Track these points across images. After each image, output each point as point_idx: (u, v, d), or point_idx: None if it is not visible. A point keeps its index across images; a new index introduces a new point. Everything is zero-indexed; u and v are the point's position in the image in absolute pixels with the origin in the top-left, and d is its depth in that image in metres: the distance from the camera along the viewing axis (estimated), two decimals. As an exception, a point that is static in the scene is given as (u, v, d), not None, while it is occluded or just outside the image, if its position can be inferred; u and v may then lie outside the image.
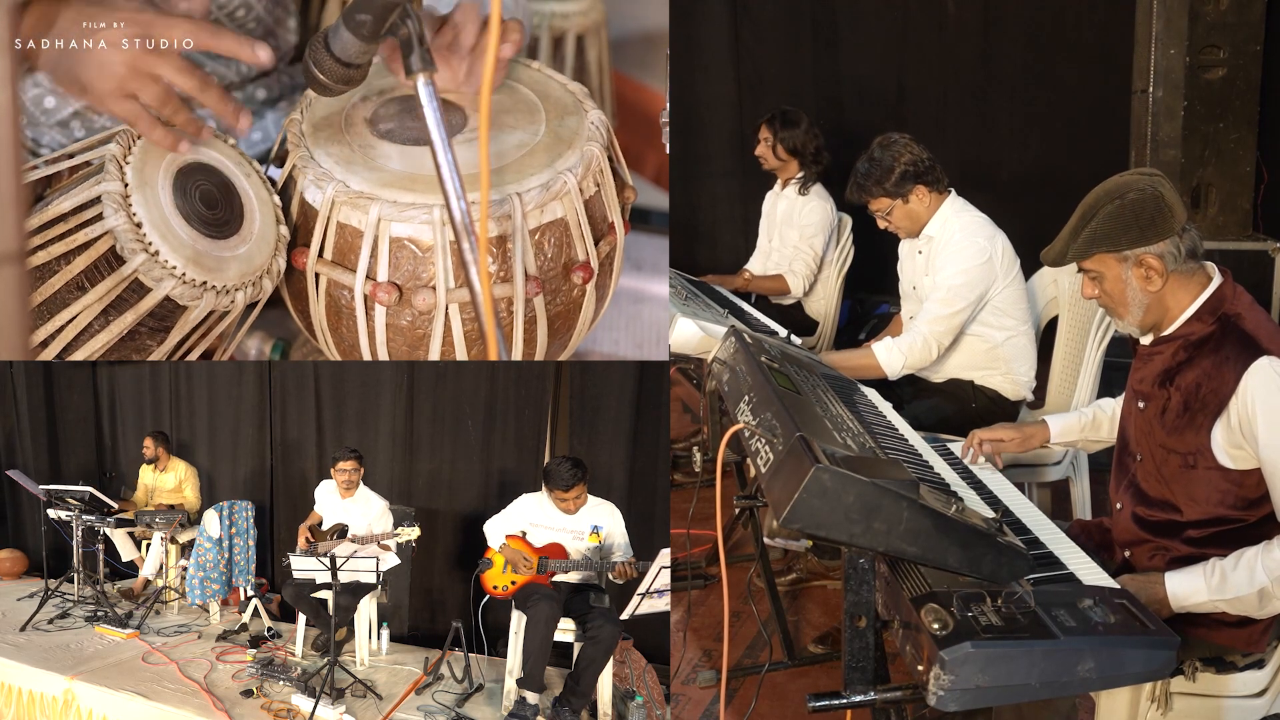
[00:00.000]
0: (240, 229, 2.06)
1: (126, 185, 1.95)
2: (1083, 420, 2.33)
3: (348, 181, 2.06)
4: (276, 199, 2.15)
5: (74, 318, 1.93)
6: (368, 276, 2.06)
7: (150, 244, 1.94)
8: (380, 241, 2.04)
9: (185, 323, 2.00)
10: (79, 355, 1.97)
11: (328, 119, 2.18)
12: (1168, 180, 1.93)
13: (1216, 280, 1.92)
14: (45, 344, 1.94)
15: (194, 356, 2.11)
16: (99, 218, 1.93)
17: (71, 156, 2.05)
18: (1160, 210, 1.88)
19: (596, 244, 2.17)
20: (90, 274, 1.94)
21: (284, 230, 2.12)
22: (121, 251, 1.93)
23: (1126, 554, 2.02)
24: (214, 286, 1.99)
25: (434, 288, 2.04)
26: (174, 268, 1.95)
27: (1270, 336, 1.84)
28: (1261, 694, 1.91)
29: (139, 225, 1.94)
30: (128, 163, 1.97)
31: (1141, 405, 1.99)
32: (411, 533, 3.30)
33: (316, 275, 2.12)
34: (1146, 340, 2.00)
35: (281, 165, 2.19)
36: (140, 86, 1.96)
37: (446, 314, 2.06)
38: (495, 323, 1.93)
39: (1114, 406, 2.28)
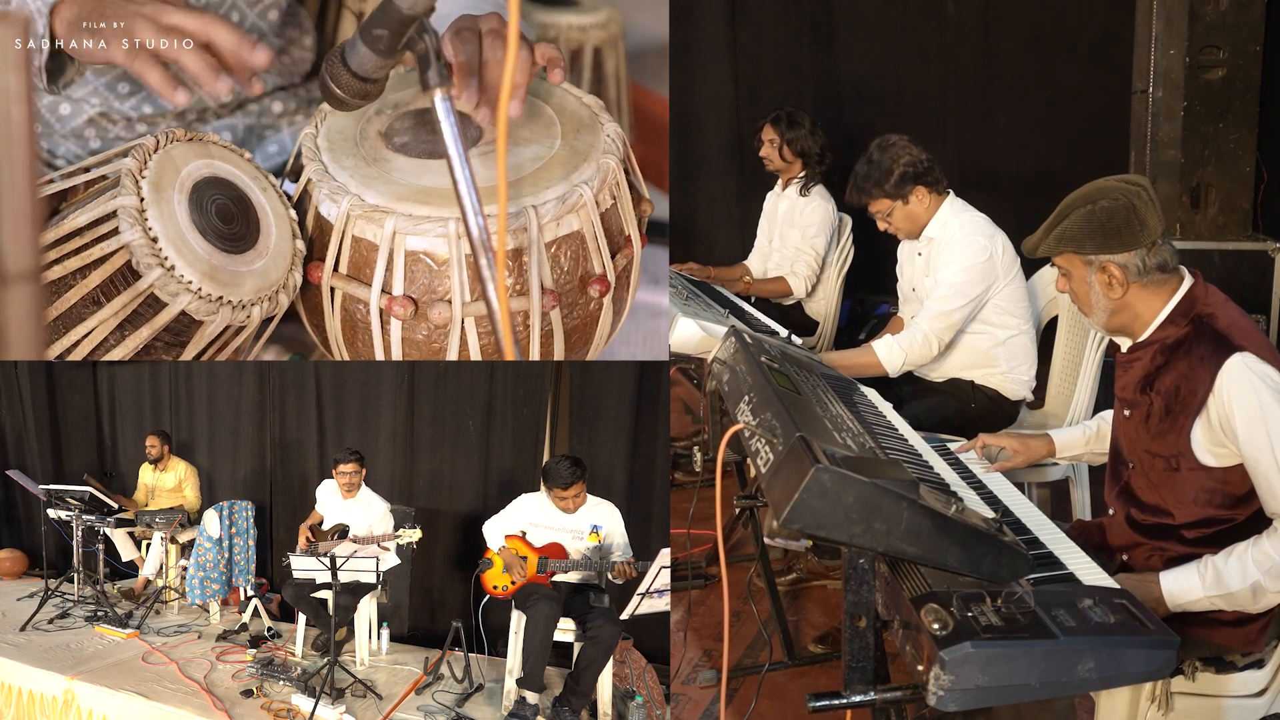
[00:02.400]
0: (256, 243, 2.05)
1: (142, 200, 1.94)
2: (1087, 433, 2.33)
3: (363, 195, 2.05)
4: (293, 213, 2.13)
5: (89, 332, 1.93)
6: (383, 290, 2.04)
7: (166, 259, 1.93)
8: (395, 255, 2.03)
9: (201, 337, 1.99)
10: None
11: (343, 132, 2.17)
12: (1148, 192, 1.92)
13: (1188, 283, 1.93)
14: (61, 359, 1.94)
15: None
16: (115, 232, 1.92)
17: (87, 170, 2.05)
18: (1129, 222, 1.89)
19: (613, 257, 2.15)
20: (106, 289, 1.93)
21: (300, 244, 2.11)
22: (137, 266, 1.91)
23: (1124, 557, 2.03)
24: (230, 301, 1.98)
25: (449, 301, 2.03)
26: (190, 282, 1.94)
27: (1243, 333, 1.85)
28: (1261, 694, 1.91)
29: (155, 240, 1.93)
30: (143, 177, 1.96)
31: (1127, 413, 2.00)
32: (413, 535, 3.30)
33: (332, 289, 2.11)
34: (1125, 347, 2.01)
35: (297, 179, 2.19)
36: (142, 29, 1.93)
37: (463, 328, 2.05)
38: (513, 339, 1.93)
39: None
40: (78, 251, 1.92)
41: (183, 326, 1.98)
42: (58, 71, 2.08)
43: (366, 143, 2.16)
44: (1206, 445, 1.84)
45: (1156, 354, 1.92)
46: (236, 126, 2.57)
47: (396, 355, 2.09)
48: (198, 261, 1.95)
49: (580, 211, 2.08)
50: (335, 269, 2.09)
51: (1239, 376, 1.79)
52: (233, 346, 2.09)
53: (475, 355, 2.08)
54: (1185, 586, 1.83)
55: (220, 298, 1.97)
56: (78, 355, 1.94)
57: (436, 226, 2.00)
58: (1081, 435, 2.34)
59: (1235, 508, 1.86)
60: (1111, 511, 2.08)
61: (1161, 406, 1.90)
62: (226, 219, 2.02)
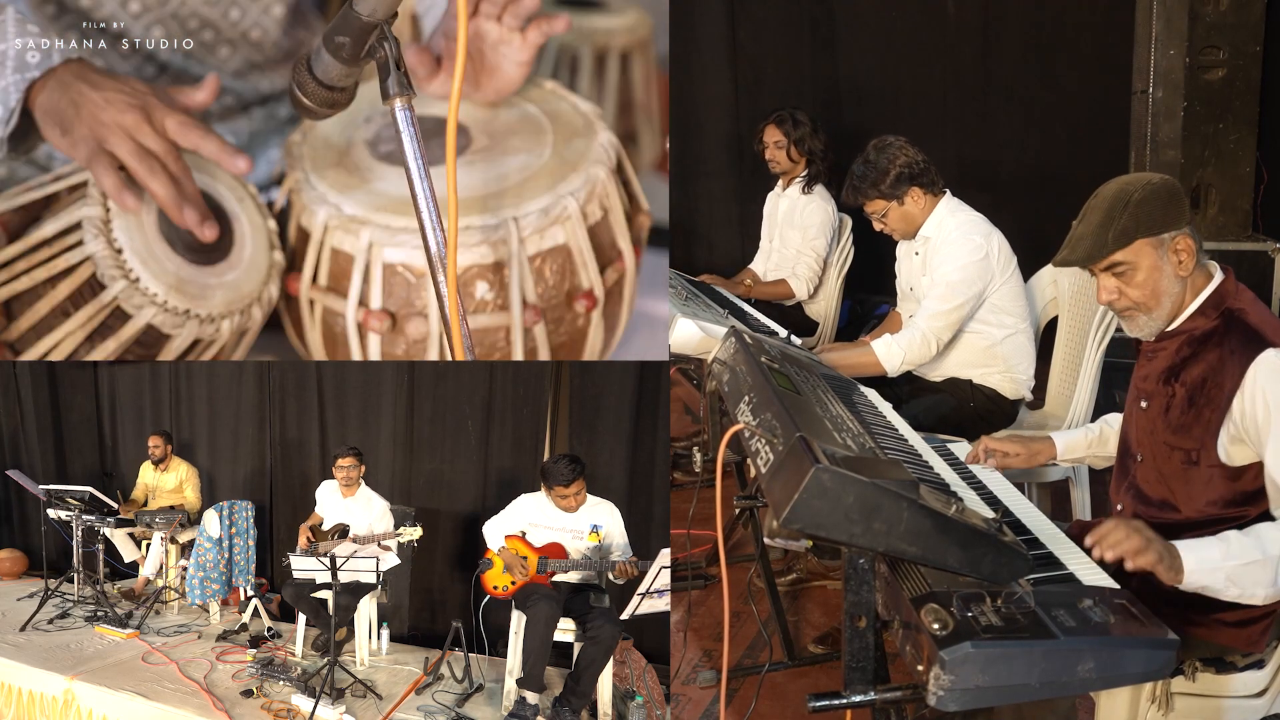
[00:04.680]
0: (229, 256, 2.00)
1: (109, 210, 1.91)
2: (1089, 436, 2.32)
3: (341, 205, 1.99)
4: (272, 224, 2.08)
5: (58, 343, 1.90)
6: (360, 303, 1.99)
7: (130, 271, 1.89)
8: (373, 267, 1.97)
9: (169, 351, 1.96)
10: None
11: (328, 140, 2.12)
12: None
13: (1219, 276, 1.93)
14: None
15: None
16: (82, 243, 1.89)
17: (65, 178, 2.02)
18: (1178, 197, 1.90)
19: (603, 271, 2.09)
20: (76, 300, 1.90)
21: (278, 257, 2.06)
22: (101, 278, 1.88)
23: (1125, 555, 2.02)
24: (197, 315, 1.93)
25: (427, 315, 1.98)
26: (155, 295, 1.90)
27: (1275, 331, 1.84)
28: (1261, 694, 1.90)
29: (119, 251, 1.89)
30: None
31: (1144, 405, 1.99)
32: (414, 533, 3.30)
33: (311, 302, 2.06)
34: (1151, 338, 2.00)
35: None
36: (117, 142, 1.91)
37: (440, 343, 2.00)
38: (464, 340, 1.85)
39: (1121, 421, 2.27)
40: (45, 263, 1.89)
41: (152, 339, 1.94)
42: (21, 138, 2.04)
43: (352, 151, 2.10)
44: (1226, 442, 1.84)
45: (1183, 345, 1.92)
46: (240, 130, 2.54)
47: (376, 370, 2.06)
48: (164, 274, 1.91)
49: (565, 224, 2.02)
50: (314, 281, 2.04)
51: (1270, 372, 1.78)
52: (205, 359, 2.04)
53: (453, 371, 2.04)
54: (1203, 555, 1.72)
55: (187, 311, 1.92)
56: None
57: (414, 238, 1.94)
58: (1084, 438, 2.33)
59: (1245, 506, 1.85)
60: (1119, 507, 2.07)
61: (1185, 398, 1.89)
62: None
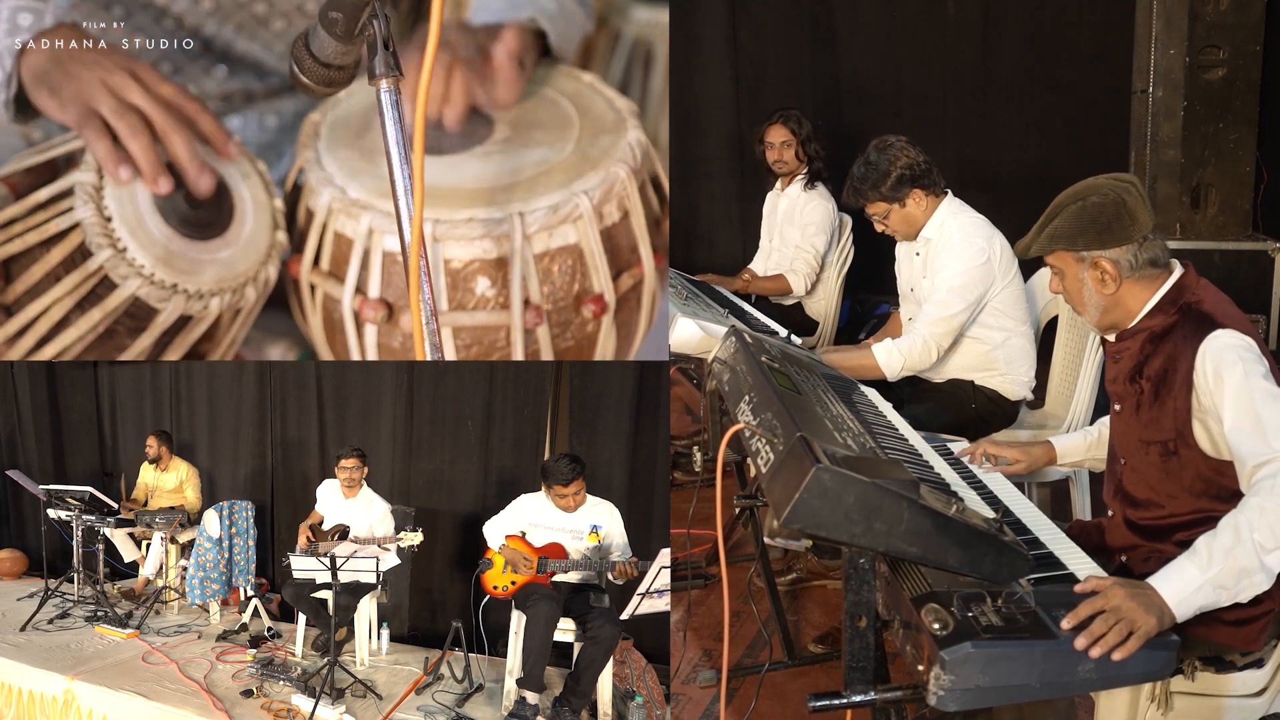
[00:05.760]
0: (225, 232, 1.96)
1: (102, 177, 1.88)
2: (1088, 439, 2.32)
3: (346, 188, 1.94)
4: (278, 204, 2.03)
5: (47, 309, 1.88)
6: (358, 290, 1.94)
7: (118, 240, 1.86)
8: (372, 254, 1.92)
9: (156, 326, 1.93)
10: (52, 348, 1.90)
11: (347, 120, 2.06)
12: (1138, 188, 1.94)
13: (1177, 273, 1.94)
14: (21, 334, 1.88)
15: (174, 358, 2.02)
16: (74, 208, 1.87)
17: (71, 142, 1.99)
18: (1120, 217, 1.90)
19: (618, 276, 2.01)
20: (67, 265, 1.87)
21: (281, 237, 2.01)
22: (89, 245, 1.86)
23: (1123, 558, 2.03)
24: (185, 290, 1.90)
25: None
26: (141, 266, 1.86)
27: (1227, 315, 1.86)
28: (1261, 693, 1.90)
29: (109, 220, 1.86)
30: None
31: (1118, 408, 2.00)
32: (414, 538, 3.30)
33: (312, 286, 2.02)
34: (1113, 338, 2.01)
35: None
36: (101, 98, 1.89)
37: (431, 340, 1.97)
38: (427, 339, 1.80)
39: None
40: (38, 226, 1.87)
41: (143, 311, 1.91)
42: (25, 102, 2.01)
43: (368, 133, 2.04)
44: (1200, 430, 1.84)
45: (1145, 343, 1.93)
46: (285, 110, 2.47)
47: (372, 359, 2.01)
48: (152, 245, 1.88)
49: (577, 223, 1.95)
50: (316, 264, 1.99)
51: (1218, 348, 1.79)
52: (193, 337, 1.99)
53: (451, 367, 2.00)
54: (1182, 580, 1.68)
55: (174, 285, 1.89)
56: (37, 331, 1.88)
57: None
58: (1083, 441, 2.33)
59: (1230, 500, 1.85)
60: (1111, 512, 2.07)
61: (1151, 392, 1.90)
62: (195, 203, 1.94)
